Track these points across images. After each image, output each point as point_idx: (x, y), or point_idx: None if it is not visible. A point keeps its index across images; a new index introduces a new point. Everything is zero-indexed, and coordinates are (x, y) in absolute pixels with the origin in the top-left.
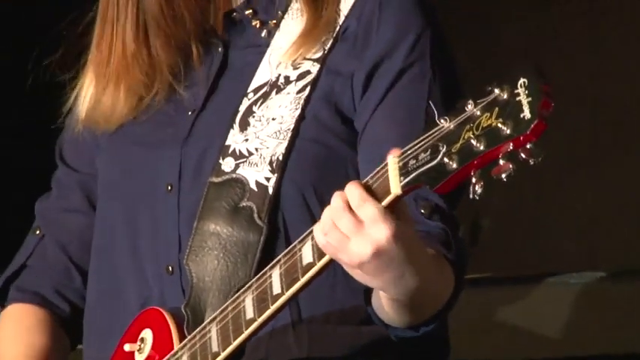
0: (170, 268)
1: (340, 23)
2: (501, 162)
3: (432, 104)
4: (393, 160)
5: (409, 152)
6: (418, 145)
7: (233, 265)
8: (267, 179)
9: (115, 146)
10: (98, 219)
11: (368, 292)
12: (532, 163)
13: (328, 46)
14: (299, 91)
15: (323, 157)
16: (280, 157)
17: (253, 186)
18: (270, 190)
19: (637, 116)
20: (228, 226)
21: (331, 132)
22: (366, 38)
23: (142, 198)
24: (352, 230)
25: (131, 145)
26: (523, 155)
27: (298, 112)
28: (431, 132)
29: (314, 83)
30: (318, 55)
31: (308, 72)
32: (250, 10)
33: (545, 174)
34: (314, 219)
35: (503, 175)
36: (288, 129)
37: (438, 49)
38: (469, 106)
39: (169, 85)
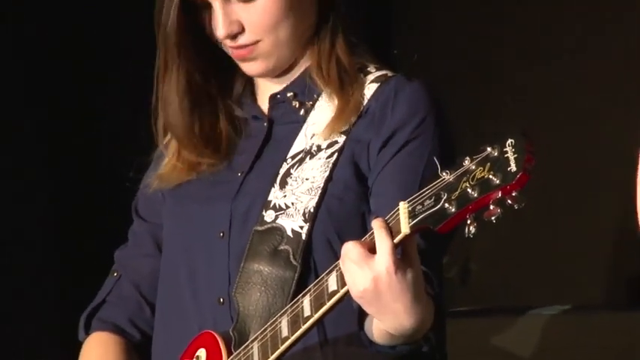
0: (221, 300)
1: (364, 104)
2: (491, 207)
3: (436, 160)
4: (403, 205)
5: (416, 199)
6: (424, 194)
7: (272, 297)
8: (301, 227)
9: (175, 200)
10: (163, 260)
11: (362, 314)
12: (516, 207)
13: (353, 121)
14: (328, 157)
15: (345, 211)
16: (312, 210)
17: (289, 233)
18: (304, 237)
19: (606, 165)
20: (269, 265)
21: (352, 191)
22: (383, 115)
23: (198, 243)
24: (359, 260)
25: (190, 200)
26: (509, 201)
27: (327, 174)
28: (434, 183)
29: (340, 151)
30: (345, 128)
31: (336, 142)
32: (291, 94)
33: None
34: (337, 258)
35: (493, 218)
36: (319, 187)
37: (439, 127)
38: (466, 162)
39: (223, 155)
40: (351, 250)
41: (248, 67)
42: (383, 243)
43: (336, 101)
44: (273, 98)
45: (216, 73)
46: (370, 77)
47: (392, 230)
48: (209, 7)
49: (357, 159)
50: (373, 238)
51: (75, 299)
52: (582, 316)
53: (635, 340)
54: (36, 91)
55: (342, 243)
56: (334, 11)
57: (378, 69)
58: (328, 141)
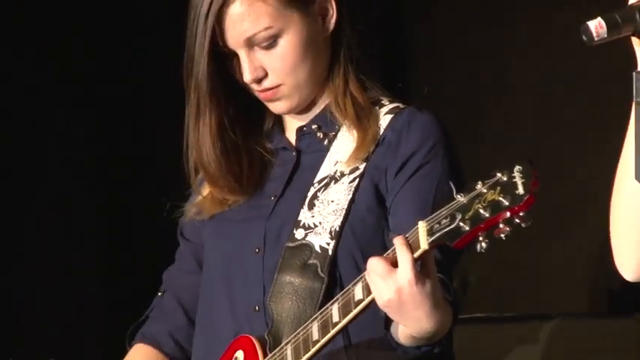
0: (257, 308)
1: (381, 134)
2: (501, 225)
3: (451, 185)
4: (422, 224)
5: (434, 219)
6: (440, 214)
7: (302, 305)
8: (328, 244)
9: (215, 222)
10: (204, 274)
11: (388, 319)
12: (524, 226)
13: (371, 150)
14: (350, 182)
15: (367, 230)
16: (337, 229)
17: (317, 249)
18: (330, 252)
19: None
20: (299, 277)
21: (372, 212)
22: (398, 144)
23: (236, 258)
24: (384, 274)
25: (228, 221)
26: (517, 221)
27: (350, 197)
28: (450, 205)
29: (361, 177)
30: (364, 156)
31: (357, 168)
32: (316, 126)
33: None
34: (360, 271)
35: (503, 235)
36: (343, 208)
37: (448, 152)
38: (478, 186)
39: (252, 189)
40: (375, 264)
41: (274, 107)
42: (404, 258)
43: (355, 133)
44: (299, 130)
45: (247, 114)
46: (384, 109)
47: (412, 246)
48: (235, 54)
49: (376, 183)
50: (395, 253)
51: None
52: (568, 324)
53: (616, 346)
54: (84, 108)
55: (364, 258)
56: (345, 51)
57: (390, 101)
58: (350, 167)
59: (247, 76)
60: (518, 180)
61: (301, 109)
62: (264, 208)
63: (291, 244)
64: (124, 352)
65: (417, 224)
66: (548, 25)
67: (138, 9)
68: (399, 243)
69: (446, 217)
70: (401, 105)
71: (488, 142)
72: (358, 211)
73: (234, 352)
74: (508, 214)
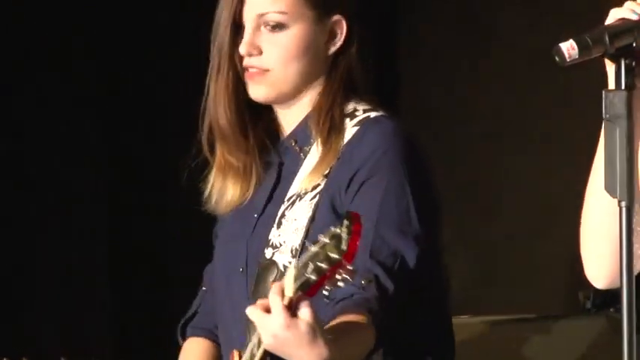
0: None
1: (340, 149)
2: (337, 277)
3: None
4: (290, 271)
5: (302, 263)
6: (305, 259)
7: None
8: (289, 262)
9: (219, 237)
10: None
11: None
12: (346, 284)
13: (332, 165)
14: (312, 199)
15: None
16: (297, 247)
17: (281, 267)
18: None
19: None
20: (267, 295)
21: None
22: (350, 157)
23: (229, 275)
24: (260, 321)
25: (222, 238)
26: (345, 276)
27: (310, 214)
28: (314, 250)
29: (320, 193)
30: (326, 172)
31: (318, 185)
32: (293, 140)
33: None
34: None
35: (341, 284)
36: (303, 227)
37: (396, 165)
38: (321, 237)
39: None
40: (251, 313)
41: (253, 90)
42: (275, 304)
43: (319, 152)
44: (281, 145)
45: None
46: (354, 122)
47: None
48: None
49: (332, 199)
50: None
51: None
52: (543, 324)
53: (589, 344)
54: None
55: None
56: (343, 76)
57: (365, 111)
58: (313, 184)
59: (243, 48)
60: (344, 235)
61: (282, 122)
62: (247, 226)
63: (262, 263)
64: (131, 351)
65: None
66: (525, 45)
67: (143, 11)
68: (272, 290)
69: (305, 266)
70: (371, 114)
71: (471, 156)
72: (316, 229)
73: None
74: (336, 269)
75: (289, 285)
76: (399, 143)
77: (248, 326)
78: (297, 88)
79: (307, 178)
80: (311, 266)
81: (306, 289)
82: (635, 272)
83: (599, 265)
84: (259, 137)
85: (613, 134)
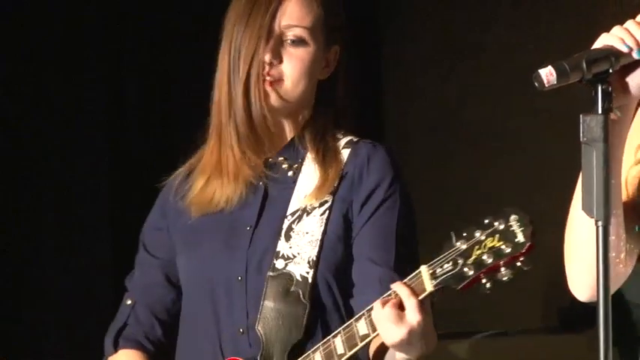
0: (241, 330)
1: (342, 168)
2: (502, 270)
3: (453, 234)
4: (424, 269)
5: (436, 264)
6: (442, 259)
7: (288, 329)
8: (307, 273)
9: (193, 247)
10: (188, 294)
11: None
12: (525, 269)
13: (336, 184)
14: (321, 214)
15: (339, 258)
16: (315, 259)
17: (298, 277)
18: (310, 280)
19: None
20: (283, 303)
21: (342, 242)
22: (360, 179)
23: (220, 284)
24: (395, 319)
25: (209, 250)
26: (519, 264)
27: (322, 228)
28: (450, 251)
29: (330, 209)
30: (331, 190)
31: (326, 201)
32: (282, 158)
33: None
34: (335, 296)
35: (505, 278)
36: (318, 239)
37: (403, 187)
38: (477, 234)
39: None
40: (386, 311)
41: (272, 97)
42: (412, 303)
43: (319, 168)
44: (266, 161)
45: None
46: (341, 143)
47: (416, 289)
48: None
49: (344, 215)
50: (396, 297)
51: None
52: (521, 339)
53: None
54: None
55: (337, 283)
56: (333, 99)
57: (344, 135)
58: (320, 201)
59: (268, 55)
60: (516, 228)
61: (272, 141)
62: (242, 237)
63: (272, 274)
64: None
65: (380, 260)
66: (512, 65)
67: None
68: (403, 290)
69: (448, 262)
70: (354, 138)
71: (458, 173)
72: (330, 241)
73: None
74: (511, 259)
75: (427, 281)
76: (400, 169)
77: (263, 338)
78: (297, 104)
79: (312, 194)
80: (461, 261)
81: (459, 284)
82: (618, 286)
83: (583, 280)
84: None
85: (590, 157)
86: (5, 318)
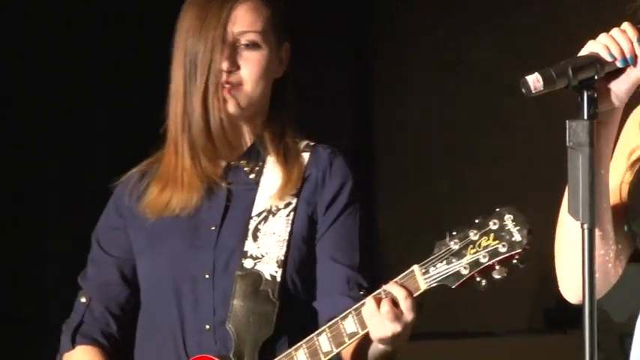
0: (207, 327)
1: (304, 171)
2: (497, 268)
3: (447, 234)
4: (417, 268)
5: (428, 263)
6: (434, 259)
7: (258, 326)
8: (276, 272)
9: (156, 244)
10: (149, 292)
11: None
12: (521, 267)
13: (299, 186)
14: (287, 215)
15: (304, 257)
16: (282, 258)
17: (267, 277)
18: (279, 279)
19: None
20: (253, 302)
21: (306, 242)
22: (323, 183)
23: (187, 281)
24: (392, 316)
25: (173, 247)
26: (515, 262)
27: (289, 229)
28: (443, 250)
29: (295, 210)
30: (294, 192)
31: (290, 203)
32: (243, 161)
33: None
34: (301, 295)
35: (499, 276)
36: (285, 240)
37: (361, 194)
38: (471, 233)
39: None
40: (382, 309)
41: (229, 105)
42: (408, 302)
43: (281, 170)
44: (228, 165)
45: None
46: (300, 146)
47: (410, 288)
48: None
49: (310, 216)
50: (387, 295)
51: None
52: (508, 340)
53: (552, 359)
54: None
55: (302, 282)
56: (288, 97)
57: (300, 139)
58: (284, 202)
59: (225, 63)
60: (512, 227)
61: (231, 147)
62: (208, 237)
63: (241, 273)
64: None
65: (346, 261)
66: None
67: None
68: (400, 291)
69: (441, 262)
70: (310, 142)
71: (443, 178)
72: (297, 241)
73: None
74: (508, 258)
75: (420, 281)
76: (357, 177)
77: (234, 336)
78: (257, 107)
79: (276, 195)
80: (455, 261)
81: (455, 283)
82: (609, 287)
83: (573, 282)
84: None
85: (576, 161)
86: (5, 318)
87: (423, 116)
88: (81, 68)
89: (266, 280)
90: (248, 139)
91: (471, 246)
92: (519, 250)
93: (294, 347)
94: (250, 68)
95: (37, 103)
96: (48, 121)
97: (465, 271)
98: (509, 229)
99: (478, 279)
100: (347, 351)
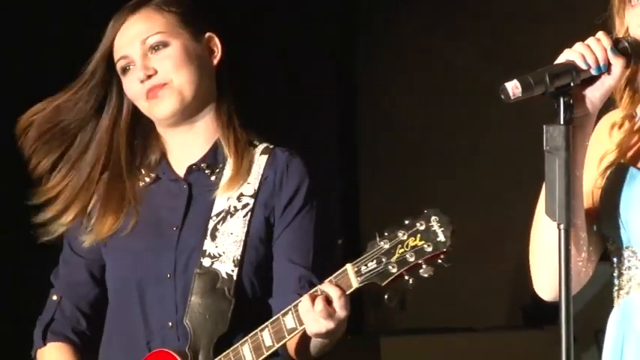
0: (170, 324)
1: (261, 173)
2: (424, 266)
3: (377, 235)
4: (349, 267)
5: (360, 262)
6: (365, 258)
7: (214, 323)
8: (232, 271)
9: (120, 245)
10: (115, 290)
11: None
12: (445, 266)
13: (256, 187)
14: (244, 216)
15: (261, 257)
16: (239, 258)
17: (224, 275)
18: (235, 278)
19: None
20: (210, 299)
21: (263, 242)
22: (280, 186)
23: (150, 280)
24: (325, 313)
25: (136, 248)
26: (439, 262)
27: (245, 229)
28: (374, 250)
29: (252, 211)
30: (251, 193)
31: (247, 204)
32: (205, 164)
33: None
34: (257, 292)
35: (426, 275)
36: (241, 240)
37: (319, 196)
38: (400, 234)
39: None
40: (316, 307)
41: (159, 109)
42: (342, 301)
43: (238, 173)
44: (190, 167)
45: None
46: (258, 149)
47: (342, 285)
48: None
49: (267, 217)
50: (322, 293)
51: None
52: (488, 335)
53: (530, 355)
54: None
55: (258, 281)
56: (226, 89)
57: (260, 142)
58: (242, 203)
59: (140, 73)
60: (437, 229)
61: (189, 149)
62: (168, 238)
63: (199, 271)
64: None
65: (300, 260)
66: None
67: None
68: (333, 290)
69: (372, 261)
70: (270, 145)
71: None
72: (253, 242)
73: None
74: (433, 257)
75: (353, 279)
76: (316, 178)
77: (190, 331)
78: (197, 99)
79: (223, 189)
80: (384, 260)
81: (384, 281)
82: (582, 285)
83: (547, 280)
84: (143, 159)
85: (553, 164)
86: (5, 318)
87: (406, 117)
88: (81, 68)
89: (222, 278)
90: (204, 139)
91: (400, 245)
92: (443, 250)
93: (240, 342)
94: (165, 64)
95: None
96: None
97: (393, 270)
98: (434, 230)
99: (406, 277)
100: (291, 344)
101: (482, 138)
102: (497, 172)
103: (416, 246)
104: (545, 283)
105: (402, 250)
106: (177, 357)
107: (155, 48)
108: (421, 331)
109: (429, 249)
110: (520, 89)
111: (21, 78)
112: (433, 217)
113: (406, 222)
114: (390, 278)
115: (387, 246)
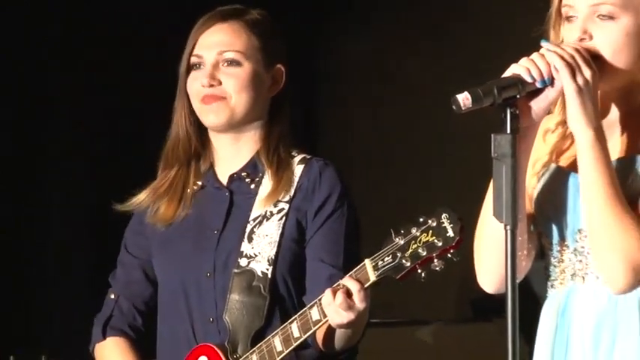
0: (211, 319)
1: (297, 181)
2: (436, 261)
3: (392, 231)
4: (368, 262)
5: (378, 257)
6: (382, 253)
7: (251, 318)
8: (267, 269)
9: (166, 250)
10: (164, 288)
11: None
12: (455, 260)
13: (292, 194)
14: (279, 220)
15: (294, 257)
16: (273, 257)
17: (259, 274)
18: (269, 276)
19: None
20: (247, 296)
21: (297, 243)
22: (313, 192)
23: (192, 279)
24: (345, 305)
25: (180, 250)
26: (449, 256)
27: (280, 231)
28: (390, 246)
29: (287, 215)
30: (287, 199)
31: (282, 209)
32: (245, 173)
33: None
34: (291, 290)
35: (438, 268)
36: (276, 241)
37: (350, 201)
38: (413, 230)
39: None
40: (337, 300)
41: (210, 117)
42: (361, 294)
43: (276, 182)
44: (232, 176)
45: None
46: (296, 160)
47: (361, 279)
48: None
49: (299, 221)
50: (343, 287)
51: None
52: (439, 327)
53: (480, 346)
54: None
55: (292, 279)
56: (284, 116)
57: (298, 153)
58: (277, 208)
59: (205, 79)
60: (447, 225)
61: (233, 160)
62: (210, 240)
63: (237, 271)
64: None
65: (331, 261)
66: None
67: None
68: (353, 284)
69: (388, 256)
70: (307, 156)
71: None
72: (287, 242)
73: (198, 357)
74: (442, 252)
75: (371, 273)
76: (347, 185)
77: (229, 326)
78: (246, 118)
79: (266, 200)
80: (399, 255)
81: (398, 274)
82: (521, 278)
83: (490, 274)
84: (197, 165)
85: (500, 170)
86: (5, 316)
87: (364, 125)
88: (81, 68)
89: (258, 276)
90: (249, 152)
91: (413, 241)
92: (453, 244)
93: (272, 334)
94: (231, 82)
95: (37, 103)
96: (48, 121)
97: (407, 263)
98: (444, 226)
99: (419, 270)
100: (319, 336)
101: (437, 146)
102: (451, 177)
103: (428, 241)
104: (489, 277)
105: (415, 245)
106: (218, 350)
107: (229, 62)
108: (371, 325)
109: (440, 244)
110: (470, 100)
111: (21, 78)
112: (444, 215)
113: (420, 219)
114: (404, 272)
115: (401, 242)
